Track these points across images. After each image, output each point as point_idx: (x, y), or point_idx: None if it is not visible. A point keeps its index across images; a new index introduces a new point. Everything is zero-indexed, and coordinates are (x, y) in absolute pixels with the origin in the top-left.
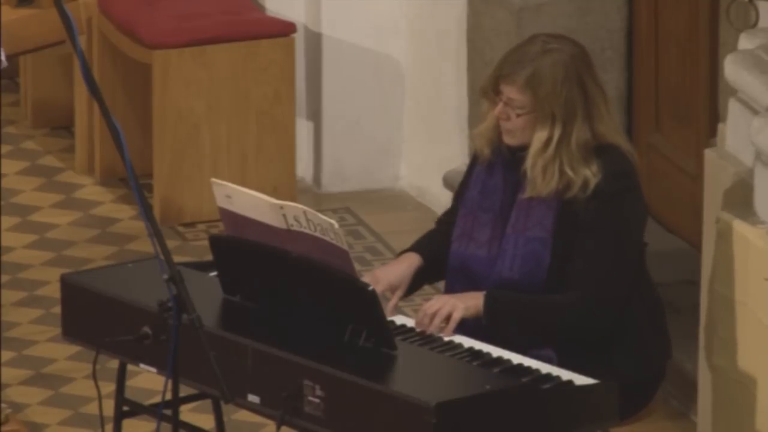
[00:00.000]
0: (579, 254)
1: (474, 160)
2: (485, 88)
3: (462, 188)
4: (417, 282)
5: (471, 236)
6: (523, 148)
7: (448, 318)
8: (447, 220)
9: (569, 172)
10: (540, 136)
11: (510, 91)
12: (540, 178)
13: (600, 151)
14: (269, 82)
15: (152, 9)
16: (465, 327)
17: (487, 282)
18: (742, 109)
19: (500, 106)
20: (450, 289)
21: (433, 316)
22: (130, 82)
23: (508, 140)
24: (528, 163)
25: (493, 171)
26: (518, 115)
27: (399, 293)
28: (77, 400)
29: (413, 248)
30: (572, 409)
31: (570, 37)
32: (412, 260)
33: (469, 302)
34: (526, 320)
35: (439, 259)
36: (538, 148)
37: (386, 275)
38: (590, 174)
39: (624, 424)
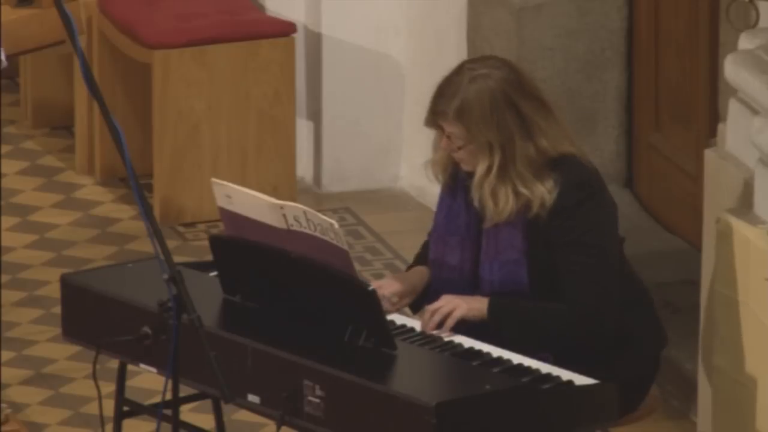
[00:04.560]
0: (564, 271)
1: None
2: (428, 122)
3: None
4: (426, 293)
5: (443, 262)
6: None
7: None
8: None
9: (524, 192)
10: (481, 166)
11: (446, 126)
12: (492, 204)
13: (553, 164)
14: (269, 82)
15: (152, 9)
16: (466, 327)
17: None
18: (742, 109)
19: (444, 139)
20: None
21: (435, 311)
22: (130, 82)
23: (464, 167)
24: (473, 194)
25: (455, 194)
26: (459, 148)
27: (407, 300)
28: (77, 400)
29: (419, 262)
30: (572, 409)
31: (497, 57)
32: (424, 272)
33: (474, 304)
34: (529, 328)
35: None
36: (479, 177)
37: (396, 282)
38: (545, 191)
39: (624, 423)
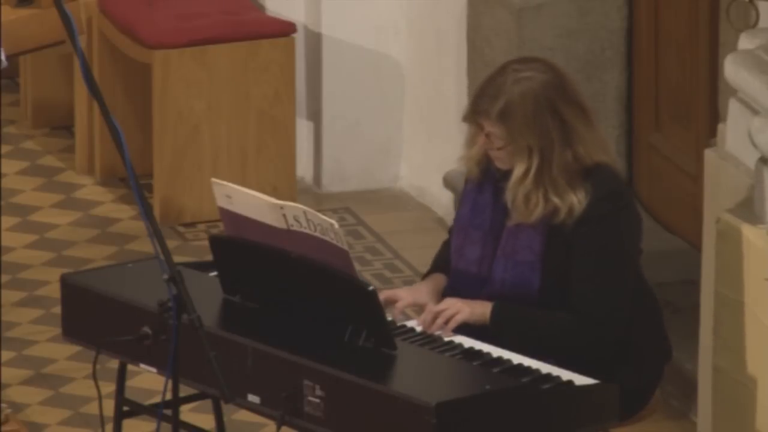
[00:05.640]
0: (579, 278)
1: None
2: (467, 118)
3: (458, 204)
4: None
5: (461, 253)
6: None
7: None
8: (450, 231)
9: (555, 199)
10: (519, 169)
11: (487, 125)
12: (523, 207)
13: (586, 173)
14: (269, 82)
15: (152, 9)
16: (468, 329)
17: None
18: (742, 109)
19: (482, 137)
20: None
21: (437, 314)
22: (130, 82)
23: (499, 164)
24: (507, 195)
25: (483, 188)
26: (498, 149)
27: (429, 309)
28: (77, 400)
29: (435, 269)
30: (572, 409)
31: (542, 58)
32: (439, 280)
33: (477, 309)
34: (530, 335)
35: None
36: (516, 180)
37: (411, 293)
38: (576, 201)
39: (624, 425)
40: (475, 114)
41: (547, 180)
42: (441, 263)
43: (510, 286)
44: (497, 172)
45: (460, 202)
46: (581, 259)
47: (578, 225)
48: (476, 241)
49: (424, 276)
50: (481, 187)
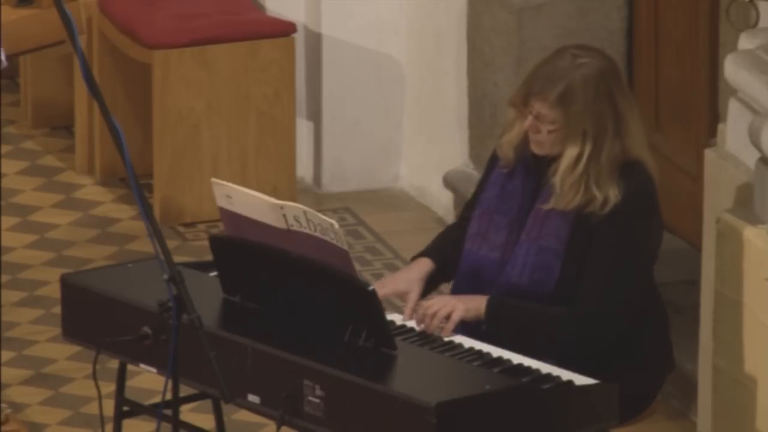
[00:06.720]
0: (590, 270)
1: (493, 160)
2: (514, 101)
3: (479, 187)
4: (430, 286)
5: (485, 237)
6: (549, 157)
7: (447, 318)
8: (465, 216)
9: (594, 190)
10: (570, 153)
11: (541, 107)
12: (568, 192)
13: (625, 167)
14: (269, 82)
15: (152, 9)
16: (466, 328)
17: (495, 285)
18: (742, 109)
19: (530, 119)
20: (457, 288)
21: (433, 316)
22: (130, 82)
23: (537, 150)
24: (557, 179)
25: (513, 175)
26: (549, 132)
27: (412, 297)
28: (77, 400)
29: (425, 252)
30: (572, 409)
31: (597, 48)
32: (422, 266)
33: (471, 305)
34: (526, 330)
35: (451, 262)
36: (568, 165)
37: (393, 281)
38: (612, 195)
39: (623, 426)
40: (529, 96)
41: (592, 169)
42: (433, 251)
43: (530, 271)
44: (530, 157)
45: (484, 184)
46: (598, 253)
47: (605, 219)
48: (502, 226)
49: (413, 258)
50: (512, 172)
